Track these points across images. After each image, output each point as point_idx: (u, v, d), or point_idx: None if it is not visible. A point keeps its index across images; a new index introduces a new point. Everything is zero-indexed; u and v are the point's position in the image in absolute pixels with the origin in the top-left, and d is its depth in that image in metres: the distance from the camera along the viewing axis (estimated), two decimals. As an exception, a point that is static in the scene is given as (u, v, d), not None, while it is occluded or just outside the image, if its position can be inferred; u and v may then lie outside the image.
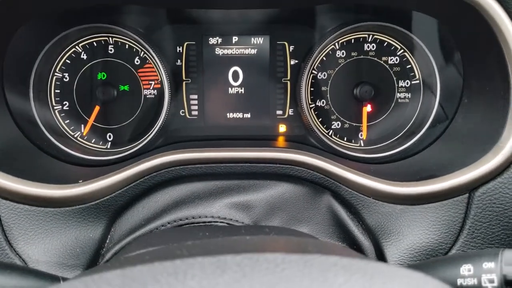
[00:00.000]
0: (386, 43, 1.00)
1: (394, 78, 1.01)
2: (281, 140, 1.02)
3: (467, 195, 0.77)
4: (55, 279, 0.63)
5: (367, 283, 0.34)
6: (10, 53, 0.88)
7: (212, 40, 1.01)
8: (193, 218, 0.83)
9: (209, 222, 0.83)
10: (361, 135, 1.02)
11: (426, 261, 0.71)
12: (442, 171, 0.80)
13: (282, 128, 1.03)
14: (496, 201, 0.75)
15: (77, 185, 0.80)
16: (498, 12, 0.75)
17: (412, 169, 0.90)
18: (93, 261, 0.79)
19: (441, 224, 0.77)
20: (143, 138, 1.01)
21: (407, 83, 1.01)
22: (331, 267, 0.36)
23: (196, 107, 1.03)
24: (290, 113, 1.02)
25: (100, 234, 0.81)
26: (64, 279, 0.63)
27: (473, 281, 0.54)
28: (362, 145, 1.02)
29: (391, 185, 0.80)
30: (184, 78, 1.02)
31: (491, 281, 0.53)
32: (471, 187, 0.76)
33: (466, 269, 0.55)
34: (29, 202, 0.77)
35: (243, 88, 1.02)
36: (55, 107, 1.00)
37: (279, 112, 1.02)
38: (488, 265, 0.54)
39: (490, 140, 0.78)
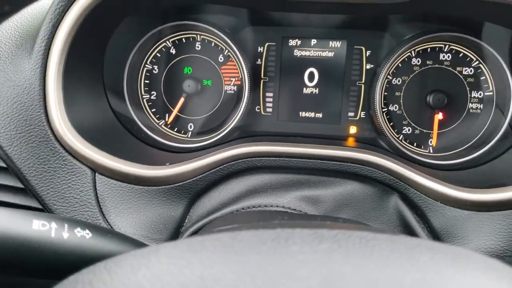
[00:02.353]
0: (461, 53, 1.02)
1: (468, 89, 1.03)
2: (351, 141, 1.06)
3: (535, 206, 0.78)
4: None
5: (449, 262, 0.38)
6: (111, 45, 0.98)
7: (292, 42, 1.07)
8: (266, 206, 0.89)
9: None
10: (431, 142, 1.04)
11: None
12: (507, 176, 0.82)
13: (353, 129, 1.07)
14: None
15: (164, 167, 0.88)
16: None
17: (481, 178, 0.92)
18: (174, 238, 0.86)
19: (508, 232, 0.79)
20: (221, 130, 1.08)
21: (480, 94, 1.03)
22: (416, 247, 0.40)
23: (271, 104, 1.09)
24: (362, 116, 1.06)
25: (180, 213, 0.88)
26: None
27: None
28: (431, 151, 1.04)
29: (460, 190, 0.82)
30: (262, 77, 1.08)
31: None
32: (540, 199, 0.78)
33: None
34: (122, 179, 0.86)
35: (317, 89, 1.07)
36: (143, 96, 1.09)
37: (351, 114, 1.07)
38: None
39: None
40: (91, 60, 0.93)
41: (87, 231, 0.66)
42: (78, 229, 0.64)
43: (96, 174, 0.85)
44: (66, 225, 0.63)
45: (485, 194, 0.81)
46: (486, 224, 0.81)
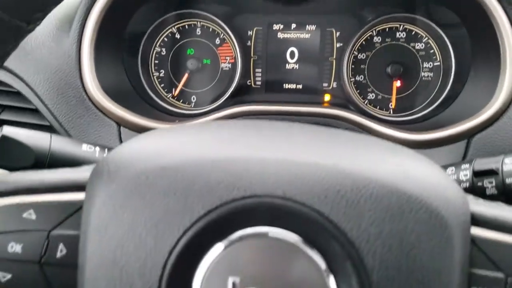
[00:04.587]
0: (414, 32, 1.25)
1: (420, 60, 1.26)
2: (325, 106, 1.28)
3: (466, 140, 1.01)
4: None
5: (377, 142, 0.58)
6: (127, 32, 1.21)
7: (276, 26, 1.30)
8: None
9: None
10: (391, 105, 1.27)
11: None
12: (448, 124, 1.04)
13: (327, 97, 1.30)
14: (487, 144, 0.99)
15: (174, 123, 1.10)
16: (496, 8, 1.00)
17: (426, 125, 1.15)
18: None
19: (443, 163, 1.01)
20: (218, 101, 1.30)
21: (430, 65, 1.26)
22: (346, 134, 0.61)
23: (260, 79, 1.31)
24: (334, 86, 1.29)
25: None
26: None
27: (454, 177, 0.78)
28: (391, 113, 1.27)
29: (406, 133, 1.05)
30: (252, 56, 1.30)
31: (465, 175, 0.77)
32: (469, 134, 1.01)
33: (450, 169, 0.80)
34: (140, 130, 1.07)
35: (297, 65, 1.30)
36: (154, 74, 1.31)
37: (325, 84, 1.29)
38: (464, 166, 0.78)
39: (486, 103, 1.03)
40: (114, 41, 1.16)
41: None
42: (115, 152, 0.85)
43: (121, 127, 1.07)
44: (106, 149, 0.85)
45: (425, 135, 1.04)
46: (428, 158, 1.02)
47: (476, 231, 0.47)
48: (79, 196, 0.53)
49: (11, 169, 0.75)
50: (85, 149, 0.83)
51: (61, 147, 0.81)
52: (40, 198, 0.53)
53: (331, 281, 0.44)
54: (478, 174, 0.74)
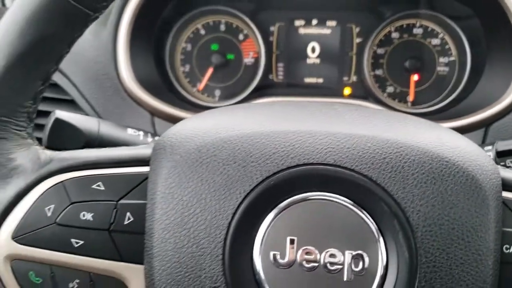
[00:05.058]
0: (430, 28, 1.31)
1: (436, 55, 1.31)
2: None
3: (484, 128, 1.06)
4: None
5: (399, 117, 0.63)
6: (157, 27, 1.26)
7: (297, 22, 1.35)
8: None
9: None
10: (409, 98, 1.32)
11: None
12: (465, 114, 1.10)
13: (347, 90, 1.35)
14: (505, 132, 1.04)
15: (203, 113, 1.15)
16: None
17: (443, 116, 1.20)
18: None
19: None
20: (241, 94, 1.35)
21: (446, 60, 1.31)
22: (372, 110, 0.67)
23: (282, 73, 1.37)
24: (354, 80, 1.34)
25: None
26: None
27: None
28: (409, 105, 1.32)
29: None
30: (274, 51, 1.36)
31: (488, 155, 0.82)
32: (487, 123, 1.06)
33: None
34: (172, 120, 1.13)
35: (318, 59, 1.35)
36: (180, 69, 1.37)
37: (345, 78, 1.35)
38: (487, 148, 0.83)
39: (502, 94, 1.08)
40: (146, 35, 1.21)
41: (160, 142, 0.93)
42: (157, 137, 0.91)
43: (154, 117, 1.12)
44: (149, 134, 0.90)
45: (444, 123, 1.09)
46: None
47: (507, 194, 0.52)
48: (143, 169, 0.58)
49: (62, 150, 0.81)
50: (131, 133, 0.88)
51: (109, 130, 0.86)
52: (107, 172, 0.59)
53: (380, 239, 0.49)
54: (501, 154, 0.79)
